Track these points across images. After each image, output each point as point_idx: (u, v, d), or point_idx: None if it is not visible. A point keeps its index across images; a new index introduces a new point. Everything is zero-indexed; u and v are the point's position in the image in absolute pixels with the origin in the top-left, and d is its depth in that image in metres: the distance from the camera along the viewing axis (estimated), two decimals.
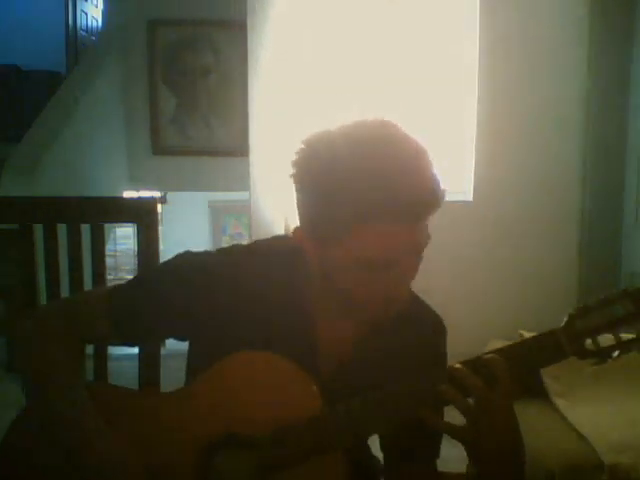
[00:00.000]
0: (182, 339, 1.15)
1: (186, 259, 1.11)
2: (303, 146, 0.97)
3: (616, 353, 0.97)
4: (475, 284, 3.30)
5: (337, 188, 0.92)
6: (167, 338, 1.15)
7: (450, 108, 3.35)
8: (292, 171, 0.98)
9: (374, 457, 1.24)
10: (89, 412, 1.05)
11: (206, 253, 1.13)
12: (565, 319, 0.97)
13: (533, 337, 0.99)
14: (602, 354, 0.97)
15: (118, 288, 1.14)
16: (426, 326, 1.15)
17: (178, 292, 1.07)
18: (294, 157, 0.98)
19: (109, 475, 1.00)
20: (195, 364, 1.14)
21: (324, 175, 0.93)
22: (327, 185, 0.93)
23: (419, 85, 3.32)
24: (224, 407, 1.03)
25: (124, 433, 1.04)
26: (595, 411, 2.04)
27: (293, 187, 1.00)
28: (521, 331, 2.62)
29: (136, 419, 1.07)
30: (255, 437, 1.00)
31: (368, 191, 0.90)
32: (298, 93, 3.19)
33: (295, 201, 1.01)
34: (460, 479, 1.11)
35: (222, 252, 1.13)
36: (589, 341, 0.97)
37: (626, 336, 0.97)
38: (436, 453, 1.16)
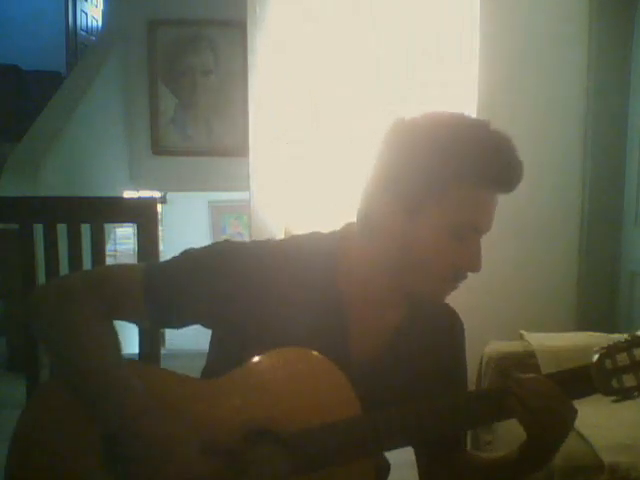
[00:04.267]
0: (209, 325, 1.13)
1: (225, 246, 1.12)
2: (396, 121, 1.06)
3: (636, 394, 1.03)
4: (475, 284, 3.29)
5: (440, 145, 1.01)
6: (197, 322, 1.13)
7: (450, 108, 3.34)
8: (386, 138, 1.05)
9: (383, 456, 1.25)
10: (128, 374, 1.01)
11: (244, 242, 1.14)
12: (596, 357, 1.03)
13: (567, 370, 1.05)
14: (625, 393, 1.03)
15: (154, 267, 1.13)
16: (450, 324, 1.23)
17: (216, 277, 1.07)
18: (389, 127, 1.05)
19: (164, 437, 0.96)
20: (223, 351, 1.12)
21: (427, 134, 1.03)
22: (430, 142, 1.01)
23: (419, 84, 3.31)
24: (263, 401, 1.03)
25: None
26: (595, 411, 2.03)
27: (379, 157, 1.05)
28: (521, 331, 2.62)
29: (174, 400, 1.03)
30: (290, 435, 1.00)
31: (470, 149, 1.00)
32: (298, 93, 3.19)
33: (379, 174, 1.05)
34: (490, 461, 1.18)
35: (259, 242, 1.14)
36: (614, 379, 1.03)
37: None
38: (463, 438, 1.21)
